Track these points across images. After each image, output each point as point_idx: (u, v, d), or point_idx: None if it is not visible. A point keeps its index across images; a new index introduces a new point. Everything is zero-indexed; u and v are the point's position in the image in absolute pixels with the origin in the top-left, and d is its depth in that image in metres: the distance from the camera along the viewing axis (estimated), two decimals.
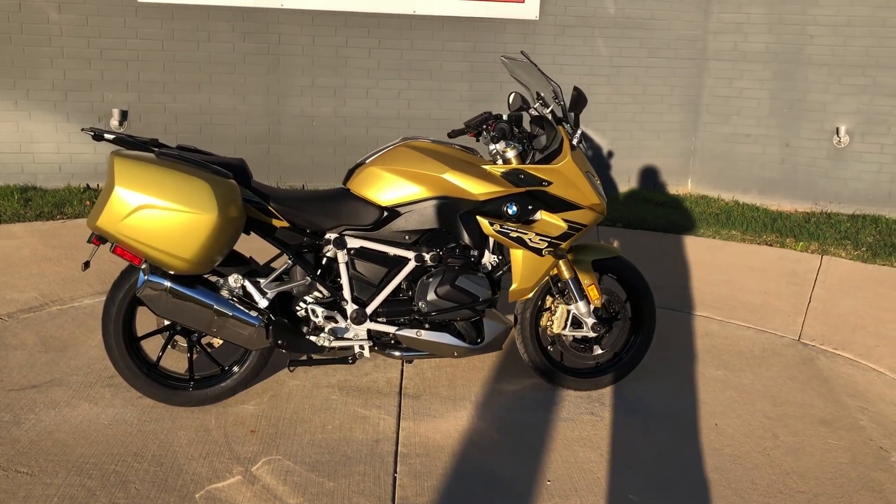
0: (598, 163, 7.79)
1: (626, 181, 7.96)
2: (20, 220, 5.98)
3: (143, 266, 3.05)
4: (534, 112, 3.57)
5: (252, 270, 3.30)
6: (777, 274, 5.67)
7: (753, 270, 5.74)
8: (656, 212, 7.12)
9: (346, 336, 3.35)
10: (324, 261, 3.36)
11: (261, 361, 3.41)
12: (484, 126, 3.46)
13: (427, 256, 3.33)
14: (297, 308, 3.34)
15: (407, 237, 3.34)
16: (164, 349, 3.37)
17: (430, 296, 3.29)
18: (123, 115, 6.83)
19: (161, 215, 2.83)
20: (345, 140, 7.34)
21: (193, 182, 2.87)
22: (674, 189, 8.07)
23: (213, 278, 3.30)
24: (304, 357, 3.40)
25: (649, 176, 8.03)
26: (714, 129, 7.90)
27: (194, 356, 3.39)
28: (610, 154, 7.86)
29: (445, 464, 3.10)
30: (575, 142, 3.39)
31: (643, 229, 6.63)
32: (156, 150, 3.01)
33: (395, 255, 3.35)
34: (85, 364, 3.73)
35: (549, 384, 3.72)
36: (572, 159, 3.37)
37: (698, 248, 6.20)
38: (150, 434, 3.19)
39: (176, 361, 3.64)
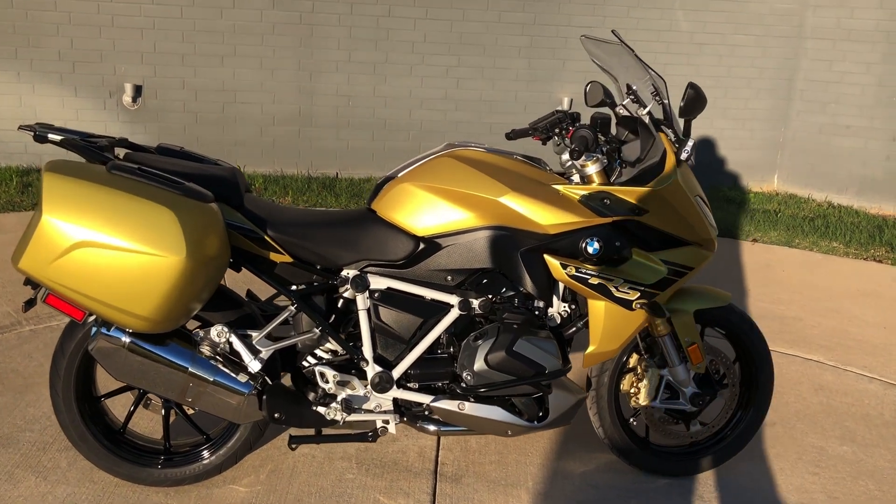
0: None
1: (702, 176, 6.98)
2: (15, 209, 5.28)
3: (92, 316, 2.27)
4: (621, 111, 2.68)
5: (244, 316, 2.49)
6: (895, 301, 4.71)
7: (865, 296, 4.77)
8: (739, 214, 6.16)
9: (365, 407, 2.53)
10: (339, 305, 2.54)
11: (255, 432, 2.62)
12: (557, 130, 2.59)
13: (476, 303, 2.49)
14: (304, 365, 2.54)
15: (449, 278, 2.50)
16: (133, 409, 2.61)
17: (479, 364, 2.44)
18: (137, 91, 6.08)
19: (106, 257, 2.02)
20: (384, 123, 6.49)
21: (153, 210, 2.05)
22: (757, 186, 7.08)
23: (197, 326, 2.51)
24: (312, 431, 2.60)
25: (730, 171, 7.05)
26: (808, 119, 6.87)
27: (171, 419, 2.62)
28: None
29: None
30: (684, 156, 2.49)
31: (727, 237, 5.69)
32: (111, 160, 2.20)
33: (432, 301, 2.51)
34: (45, 414, 2.98)
35: (628, 465, 2.87)
36: (679, 179, 2.48)
37: (794, 264, 5.24)
38: None
39: (156, 422, 2.87)
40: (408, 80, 6.44)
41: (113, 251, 2.01)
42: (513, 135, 2.80)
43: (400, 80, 6.43)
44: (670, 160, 2.48)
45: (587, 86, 2.68)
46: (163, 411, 2.61)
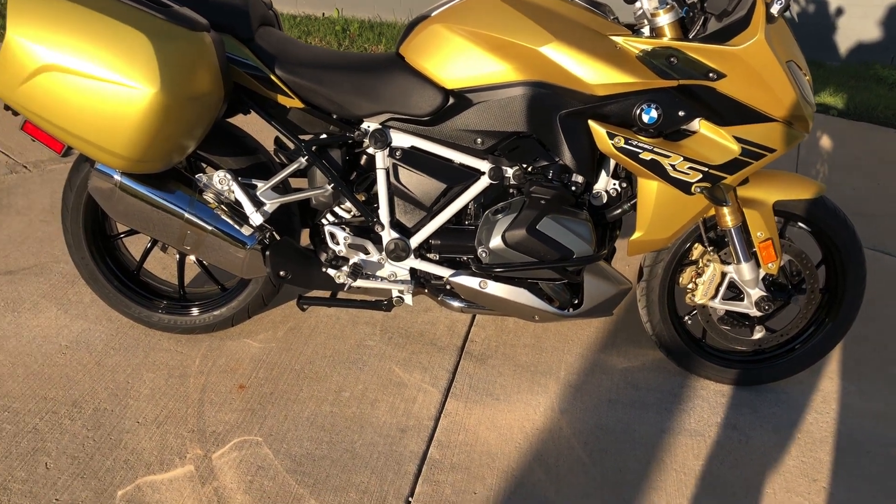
0: (815, 25, 5.97)
1: (853, 50, 6.10)
2: None
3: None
4: None
5: (259, 165, 2.29)
6: None
7: None
8: (889, 97, 5.35)
9: (378, 274, 2.31)
10: (361, 160, 2.28)
11: (269, 287, 2.47)
12: None
13: (510, 172, 2.17)
14: (321, 223, 2.33)
15: (479, 140, 2.18)
16: (147, 251, 2.50)
17: (495, 241, 2.14)
18: None
19: (74, 84, 1.82)
20: None
21: (127, 34, 1.81)
22: None
23: (209, 169, 2.34)
24: (326, 294, 2.43)
25: (888, 44, 6.11)
26: None
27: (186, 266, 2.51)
28: (838, 12, 6.00)
29: (486, 493, 2.08)
30: (776, 9, 1.99)
31: (867, 121, 4.97)
32: None
33: (460, 166, 2.21)
34: None
35: (678, 367, 2.56)
36: (765, 39, 2.00)
37: None
38: (107, 372, 2.37)
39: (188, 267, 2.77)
40: None
41: (80, 77, 1.81)
42: None
43: None
44: (758, 14, 2.00)
45: None
46: (177, 256, 2.50)
